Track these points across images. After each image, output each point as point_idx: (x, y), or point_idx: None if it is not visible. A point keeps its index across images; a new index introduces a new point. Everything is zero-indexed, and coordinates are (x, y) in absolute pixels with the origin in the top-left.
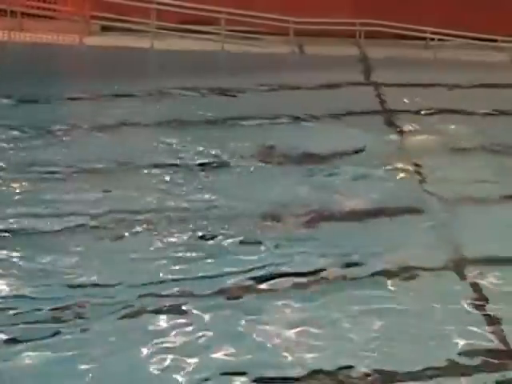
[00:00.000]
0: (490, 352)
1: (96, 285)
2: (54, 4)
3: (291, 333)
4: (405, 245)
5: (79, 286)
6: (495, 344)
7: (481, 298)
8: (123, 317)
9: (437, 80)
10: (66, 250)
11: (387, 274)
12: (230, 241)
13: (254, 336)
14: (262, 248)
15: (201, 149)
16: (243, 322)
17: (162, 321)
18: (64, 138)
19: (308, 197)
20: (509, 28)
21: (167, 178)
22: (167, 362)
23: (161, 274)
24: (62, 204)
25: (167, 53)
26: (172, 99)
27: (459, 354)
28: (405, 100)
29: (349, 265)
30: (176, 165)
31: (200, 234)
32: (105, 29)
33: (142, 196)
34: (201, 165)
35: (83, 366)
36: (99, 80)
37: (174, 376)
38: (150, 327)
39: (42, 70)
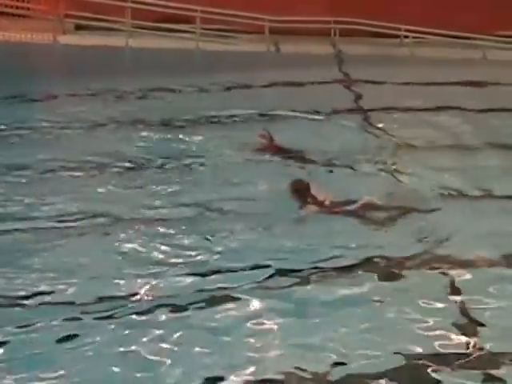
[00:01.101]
0: None
1: None
2: (28, 3)
3: None
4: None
5: None
6: None
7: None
8: None
9: (412, 77)
10: None
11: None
12: None
13: None
14: None
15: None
16: None
17: None
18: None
19: None
20: (483, 25)
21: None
22: None
23: None
24: None
25: (142, 51)
26: (145, 98)
27: None
28: (380, 97)
29: None
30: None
31: None
32: (79, 27)
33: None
34: None
35: None
36: (73, 79)
37: None
38: None
39: (16, 69)
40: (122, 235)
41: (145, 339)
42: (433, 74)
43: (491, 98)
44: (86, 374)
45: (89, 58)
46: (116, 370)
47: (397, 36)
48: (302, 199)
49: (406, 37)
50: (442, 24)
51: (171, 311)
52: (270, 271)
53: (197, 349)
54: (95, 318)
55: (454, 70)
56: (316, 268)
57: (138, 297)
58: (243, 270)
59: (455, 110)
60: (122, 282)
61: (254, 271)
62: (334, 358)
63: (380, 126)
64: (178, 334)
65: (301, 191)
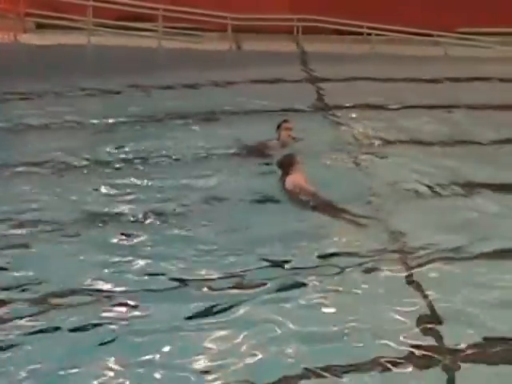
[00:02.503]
0: None
1: None
2: None
3: None
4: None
5: None
6: None
7: None
8: None
9: (374, 74)
10: None
11: None
12: None
13: None
14: None
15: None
16: None
17: None
18: None
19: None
20: (444, 23)
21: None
22: None
23: None
24: None
25: (104, 50)
26: (106, 96)
27: None
28: (343, 94)
29: None
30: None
31: None
32: (40, 26)
33: None
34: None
35: None
36: (33, 78)
37: None
38: None
39: None
40: None
41: None
42: (395, 71)
43: (451, 94)
44: None
45: (50, 57)
46: None
47: (360, 33)
48: (284, 171)
49: (369, 34)
50: (404, 21)
51: None
52: None
53: None
54: None
55: (415, 66)
56: None
57: None
58: None
59: (418, 107)
60: None
61: None
62: None
63: (343, 122)
64: None
65: (285, 164)
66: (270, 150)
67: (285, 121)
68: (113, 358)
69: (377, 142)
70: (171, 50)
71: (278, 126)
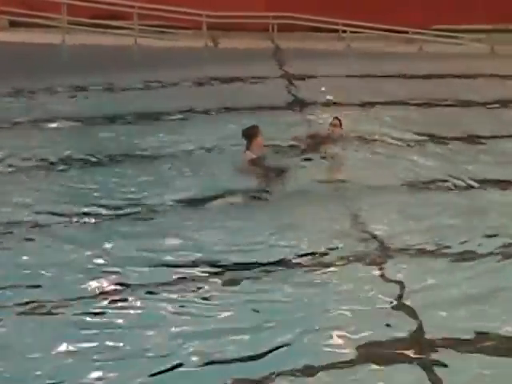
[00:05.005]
0: None
1: None
2: None
3: None
4: None
5: None
6: None
7: None
8: None
9: (349, 71)
10: None
11: None
12: None
13: None
14: None
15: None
16: None
17: None
18: None
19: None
20: (419, 20)
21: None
22: None
23: None
24: None
25: (79, 48)
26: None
27: None
28: (318, 92)
29: None
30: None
31: None
32: (14, 24)
33: None
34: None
35: None
36: (3, 76)
37: None
38: None
39: None
40: None
41: None
42: (370, 68)
43: (426, 90)
44: None
45: (23, 55)
46: None
47: (335, 30)
48: (247, 142)
49: (344, 31)
50: (379, 18)
51: None
52: None
53: None
54: None
55: (390, 63)
56: None
57: None
58: None
59: (393, 103)
60: None
61: None
62: None
63: (318, 118)
64: None
65: (248, 135)
66: (321, 144)
67: (335, 117)
68: None
69: (350, 137)
70: (147, 47)
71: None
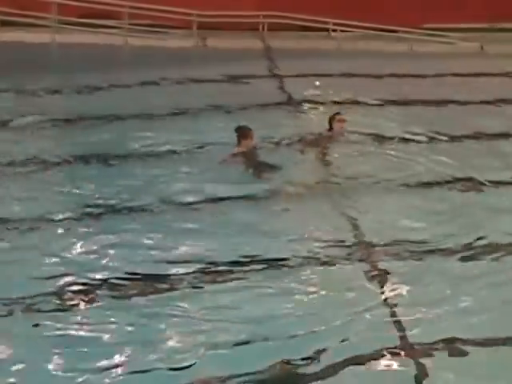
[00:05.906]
0: None
1: None
2: None
3: None
4: None
5: None
6: None
7: None
8: None
9: (339, 70)
10: None
11: None
12: None
13: None
14: None
15: None
16: None
17: None
18: None
19: None
20: (409, 19)
21: None
22: None
23: None
24: None
25: (69, 47)
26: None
27: None
28: (308, 91)
29: None
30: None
31: None
32: (4, 23)
33: None
34: None
35: None
36: None
37: None
38: None
39: None
40: None
41: None
42: (360, 67)
43: (416, 89)
44: None
45: (14, 55)
46: None
47: (325, 29)
48: (238, 140)
49: (334, 30)
50: (369, 17)
51: None
52: None
53: None
54: None
55: (381, 62)
56: None
57: None
58: None
59: (382, 102)
60: None
61: None
62: None
63: (308, 117)
64: None
65: (240, 134)
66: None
67: (338, 113)
68: None
69: (340, 136)
70: (137, 47)
71: (330, 119)
